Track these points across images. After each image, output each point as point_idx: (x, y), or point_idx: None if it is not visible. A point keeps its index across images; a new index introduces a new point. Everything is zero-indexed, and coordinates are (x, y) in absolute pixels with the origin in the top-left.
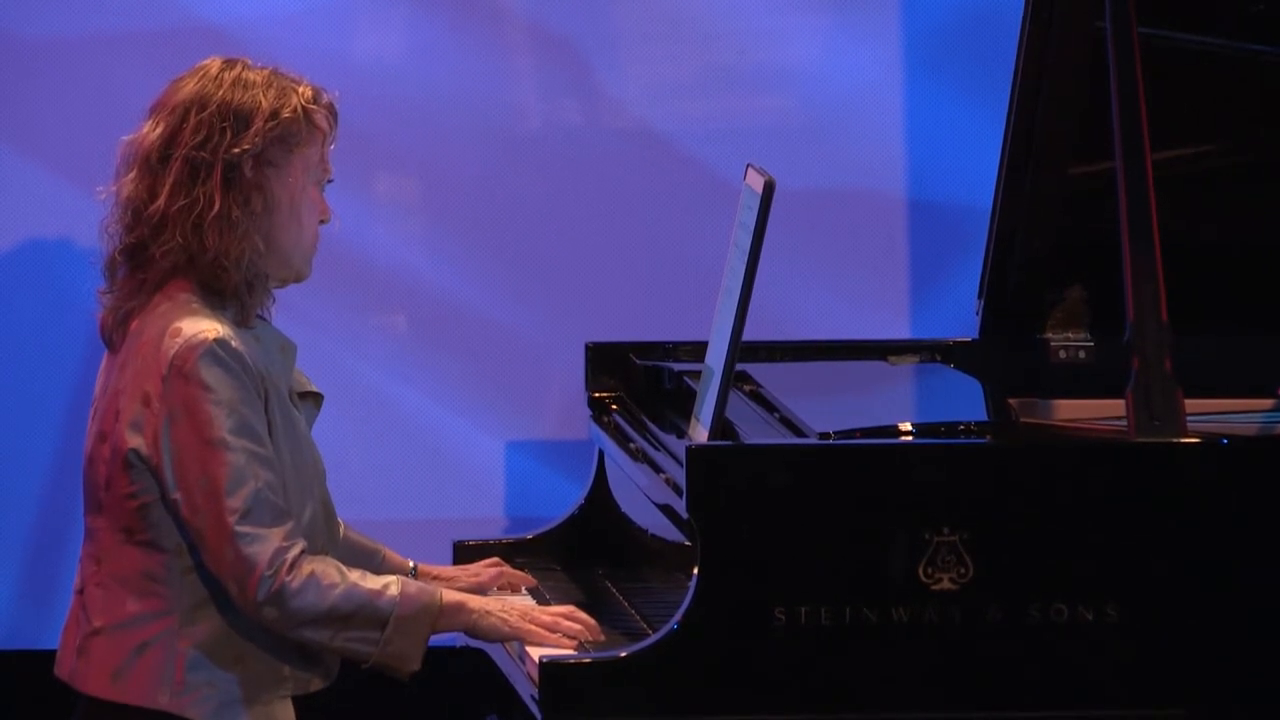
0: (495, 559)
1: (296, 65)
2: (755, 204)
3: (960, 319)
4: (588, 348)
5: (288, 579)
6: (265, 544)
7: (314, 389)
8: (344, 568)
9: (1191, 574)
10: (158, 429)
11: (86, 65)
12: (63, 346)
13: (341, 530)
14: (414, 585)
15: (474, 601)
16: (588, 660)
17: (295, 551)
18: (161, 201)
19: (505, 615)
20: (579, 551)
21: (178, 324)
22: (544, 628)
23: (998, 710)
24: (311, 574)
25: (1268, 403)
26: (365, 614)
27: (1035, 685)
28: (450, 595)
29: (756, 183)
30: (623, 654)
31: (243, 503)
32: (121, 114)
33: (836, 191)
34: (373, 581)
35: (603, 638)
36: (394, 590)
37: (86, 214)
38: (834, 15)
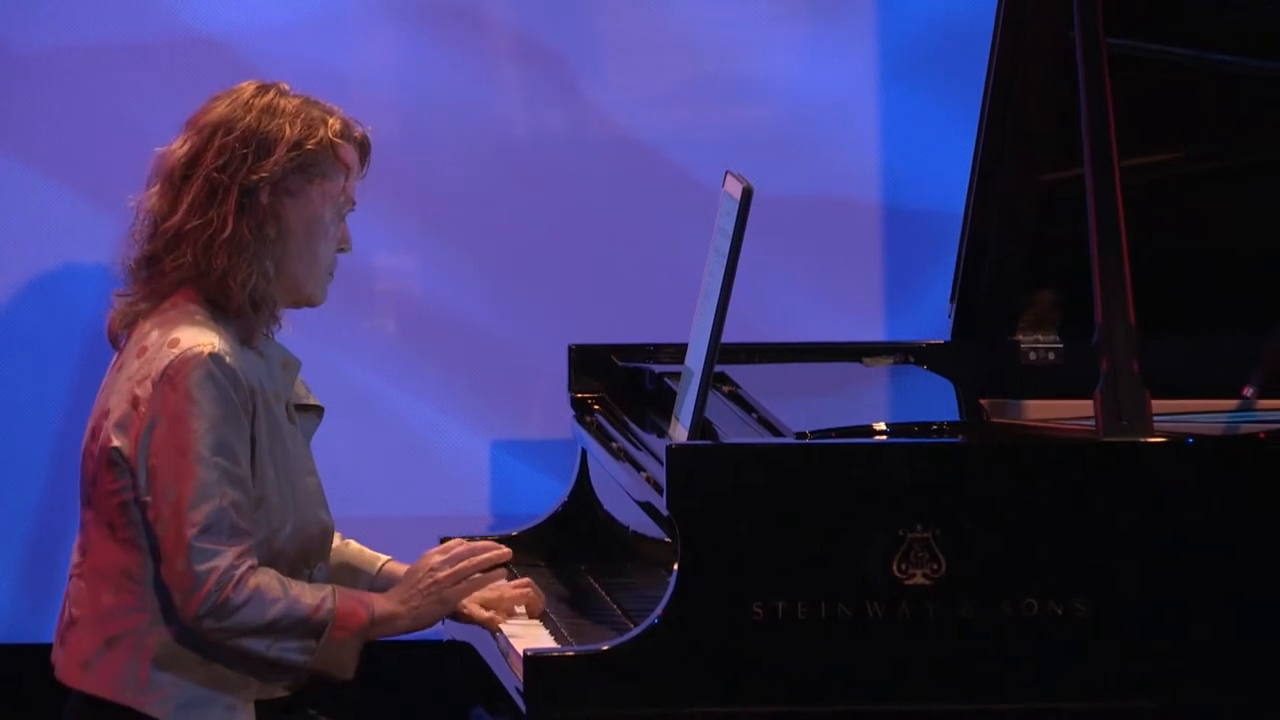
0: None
1: (286, 76)
2: (734, 210)
3: (933, 322)
4: (571, 350)
5: (232, 594)
6: (217, 561)
7: (314, 401)
8: (285, 580)
9: (1158, 570)
10: (140, 432)
11: (82, 76)
12: (62, 347)
13: (337, 541)
14: (348, 597)
15: (404, 607)
16: (571, 653)
17: (243, 569)
18: (178, 218)
19: (444, 594)
20: (563, 548)
21: (177, 334)
22: (485, 604)
23: (970, 702)
24: (256, 588)
25: (1233, 403)
26: (302, 626)
27: (1007, 678)
28: (382, 607)
29: (735, 189)
30: (605, 647)
31: (203, 518)
32: (117, 123)
33: (813, 198)
34: (310, 595)
35: (530, 591)
36: (329, 604)
37: (82, 220)
38: (811, 26)
